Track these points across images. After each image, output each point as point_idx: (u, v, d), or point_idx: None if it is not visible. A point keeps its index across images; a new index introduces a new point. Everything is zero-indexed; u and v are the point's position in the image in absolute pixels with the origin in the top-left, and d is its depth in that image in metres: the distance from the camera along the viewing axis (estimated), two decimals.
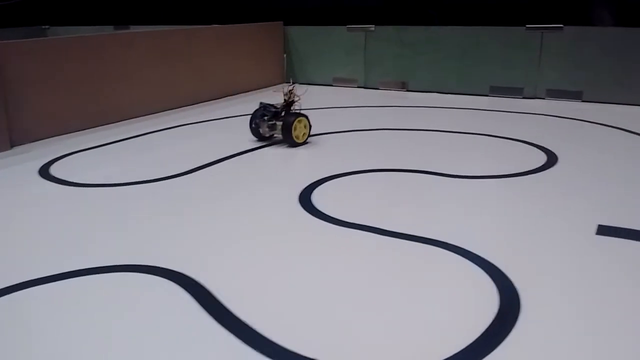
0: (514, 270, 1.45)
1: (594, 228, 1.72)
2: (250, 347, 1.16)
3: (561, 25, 3.80)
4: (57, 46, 3.09)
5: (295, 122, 2.69)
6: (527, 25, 3.88)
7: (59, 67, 3.04)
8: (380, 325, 1.24)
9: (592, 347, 1.16)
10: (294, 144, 2.72)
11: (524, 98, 3.94)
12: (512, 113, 3.50)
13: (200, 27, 4.29)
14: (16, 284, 1.43)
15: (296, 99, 2.78)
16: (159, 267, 1.51)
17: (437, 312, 1.29)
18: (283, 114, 2.75)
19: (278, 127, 2.73)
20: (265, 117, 2.76)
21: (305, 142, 2.76)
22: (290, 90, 2.78)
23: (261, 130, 2.78)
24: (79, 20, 5.79)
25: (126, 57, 3.44)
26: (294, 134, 2.69)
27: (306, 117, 2.75)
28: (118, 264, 1.54)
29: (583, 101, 3.80)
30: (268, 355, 1.13)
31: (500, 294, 1.35)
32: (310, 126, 2.79)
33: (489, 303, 1.31)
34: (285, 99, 2.77)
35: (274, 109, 2.76)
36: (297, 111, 2.77)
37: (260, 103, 2.82)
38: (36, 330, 1.24)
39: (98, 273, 1.49)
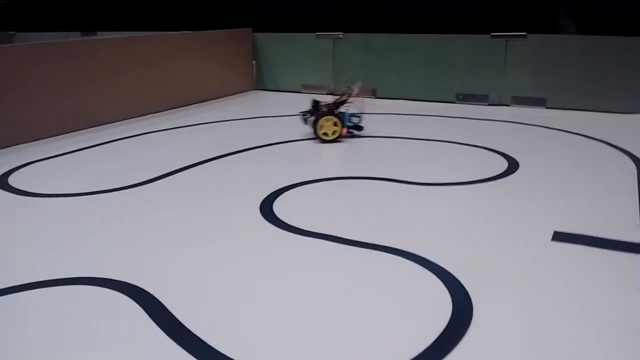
0: (468, 278, 1.47)
1: (550, 234, 1.75)
2: None
3: (525, 34, 3.87)
4: (22, 52, 3.04)
5: (320, 120, 2.88)
6: (492, 33, 3.94)
7: (24, 74, 2.99)
8: (332, 333, 1.24)
9: (545, 353, 1.18)
10: (322, 140, 2.91)
11: (489, 105, 3.99)
12: (478, 120, 3.54)
13: (169, 34, 4.26)
14: None
15: (350, 100, 2.97)
16: (110, 279, 1.49)
17: (389, 321, 1.30)
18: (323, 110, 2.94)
19: (310, 122, 2.92)
20: (305, 112, 2.97)
21: (335, 140, 2.91)
22: (344, 92, 3.00)
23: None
24: (46, 26, 5.70)
25: (93, 64, 3.39)
26: (318, 130, 2.89)
27: (339, 117, 2.90)
28: (68, 276, 1.51)
29: (547, 108, 3.87)
30: None
31: (454, 301, 1.36)
32: (345, 126, 2.92)
33: (442, 311, 1.32)
34: (336, 99, 2.97)
35: (316, 106, 2.96)
36: (352, 111, 2.96)
37: (312, 100, 3.01)
38: None
39: (48, 286, 1.47)
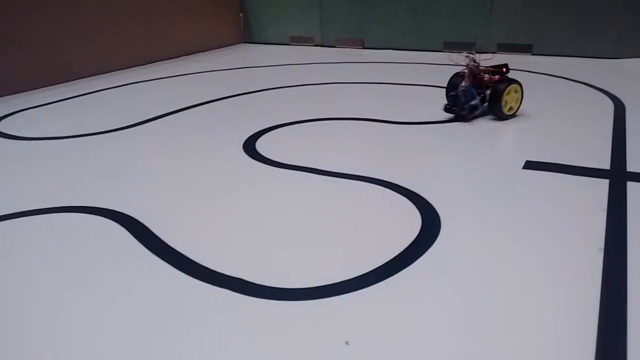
0: (438, 200, 1.53)
1: (523, 164, 1.81)
2: (182, 272, 1.23)
3: None
4: (12, 3, 3.04)
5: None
6: None
7: (12, 26, 3.00)
8: (311, 243, 1.31)
9: (506, 264, 1.25)
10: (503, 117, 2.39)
11: (476, 53, 4.00)
12: (463, 67, 3.55)
13: None
14: None
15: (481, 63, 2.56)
16: (100, 208, 1.55)
17: (364, 231, 1.37)
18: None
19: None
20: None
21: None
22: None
23: None
24: None
25: (76, 16, 3.39)
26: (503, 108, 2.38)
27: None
28: (61, 205, 1.58)
29: (533, 54, 3.90)
30: (199, 278, 1.20)
31: (423, 219, 1.43)
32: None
33: (411, 227, 1.39)
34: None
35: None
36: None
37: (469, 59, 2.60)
38: None
39: (43, 213, 1.53)
